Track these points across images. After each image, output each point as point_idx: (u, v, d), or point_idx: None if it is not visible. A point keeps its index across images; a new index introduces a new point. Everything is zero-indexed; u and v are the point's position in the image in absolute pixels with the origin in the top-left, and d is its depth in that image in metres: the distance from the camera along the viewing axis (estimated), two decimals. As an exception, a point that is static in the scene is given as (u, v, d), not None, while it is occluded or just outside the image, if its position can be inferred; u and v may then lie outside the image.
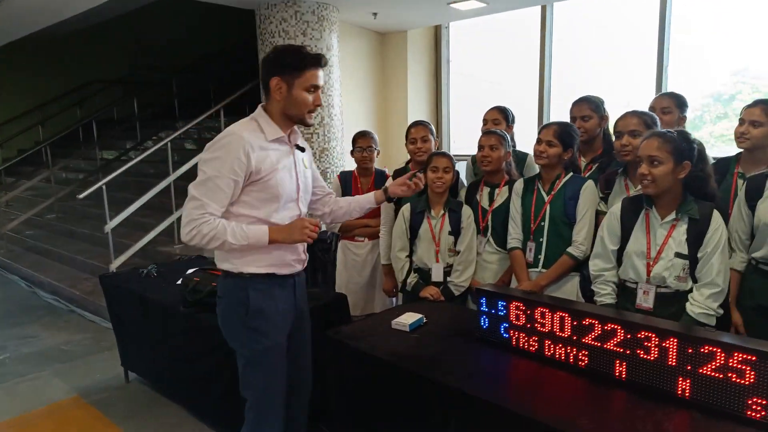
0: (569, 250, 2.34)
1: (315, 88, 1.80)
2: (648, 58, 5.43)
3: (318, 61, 1.78)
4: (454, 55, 7.31)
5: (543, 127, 2.40)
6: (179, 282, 2.78)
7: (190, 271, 2.81)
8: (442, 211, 2.66)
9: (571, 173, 2.43)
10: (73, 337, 4.23)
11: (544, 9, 6.17)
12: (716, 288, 1.80)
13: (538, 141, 2.39)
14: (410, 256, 2.71)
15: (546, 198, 2.42)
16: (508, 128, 2.94)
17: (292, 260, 1.95)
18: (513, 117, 3.03)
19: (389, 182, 2.22)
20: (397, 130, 6.88)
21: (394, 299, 3.23)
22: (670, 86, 5.24)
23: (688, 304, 1.84)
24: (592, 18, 6.08)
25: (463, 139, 7.45)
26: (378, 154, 3.20)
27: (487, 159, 2.60)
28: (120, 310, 3.29)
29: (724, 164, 2.30)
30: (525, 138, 3.30)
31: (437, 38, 7.31)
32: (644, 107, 2.63)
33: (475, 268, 2.65)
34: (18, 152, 9.65)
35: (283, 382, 1.94)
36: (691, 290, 1.86)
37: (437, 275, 2.65)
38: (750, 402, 1.37)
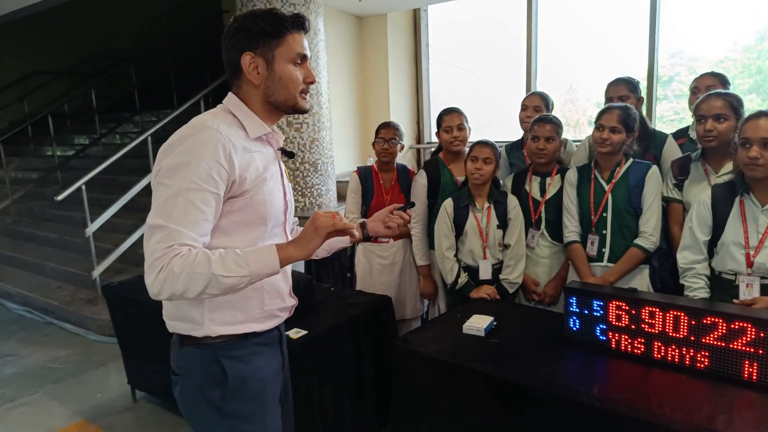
0: (638, 241, 2.23)
1: (303, 58, 1.32)
2: (637, 41, 5.44)
3: (300, 22, 1.31)
4: (432, 41, 7.15)
5: (603, 112, 2.27)
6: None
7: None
8: (487, 204, 2.51)
9: (632, 159, 2.32)
10: (58, 353, 3.84)
11: (530, -8, 6.09)
12: None
13: (600, 127, 2.26)
14: (456, 254, 2.54)
15: (606, 187, 2.30)
16: None
17: (278, 309, 1.42)
18: (553, 103, 2.90)
19: (377, 215, 1.58)
20: (378, 118, 6.67)
21: (426, 302, 3.07)
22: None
23: None
24: (577, 3, 6.05)
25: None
26: (402, 148, 2.96)
27: (542, 152, 2.44)
28: (127, 325, 2.97)
29: None
30: (515, 124, 3.13)
31: (416, 22, 7.12)
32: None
33: (526, 263, 2.52)
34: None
35: None
36: (795, 280, 1.79)
37: (485, 272, 2.50)
38: None
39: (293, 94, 1.32)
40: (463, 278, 2.48)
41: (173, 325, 1.35)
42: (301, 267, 4.21)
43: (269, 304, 1.39)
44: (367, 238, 1.58)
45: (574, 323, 1.85)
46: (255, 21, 1.27)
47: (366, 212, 2.91)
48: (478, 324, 2.03)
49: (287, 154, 1.45)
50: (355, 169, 3.04)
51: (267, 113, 1.34)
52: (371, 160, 6.18)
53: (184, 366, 1.34)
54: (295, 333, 2.14)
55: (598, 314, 1.78)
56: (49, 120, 7.68)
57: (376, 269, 2.97)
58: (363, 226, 1.58)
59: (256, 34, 1.28)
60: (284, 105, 1.34)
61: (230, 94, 1.34)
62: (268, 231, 1.34)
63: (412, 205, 1.57)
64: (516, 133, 3.16)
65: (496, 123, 5.90)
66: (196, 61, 7.74)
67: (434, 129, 2.92)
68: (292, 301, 1.48)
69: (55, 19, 8.40)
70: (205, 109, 6.40)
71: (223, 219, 1.25)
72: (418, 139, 7.18)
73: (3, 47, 8.85)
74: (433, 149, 6.84)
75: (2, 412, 3.03)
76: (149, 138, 4.97)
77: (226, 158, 1.20)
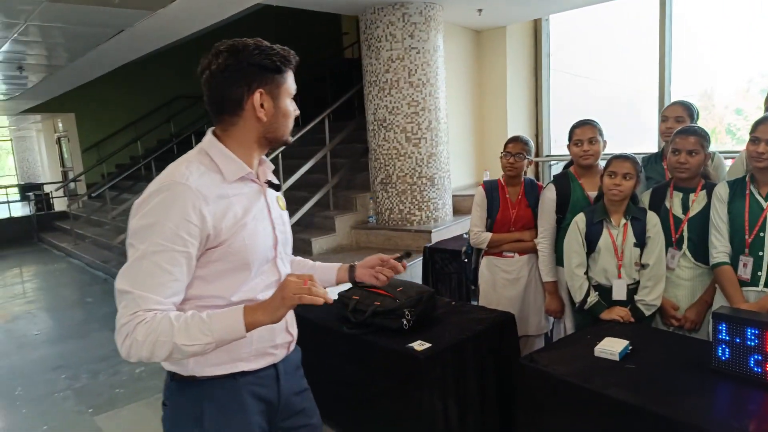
0: (804, 265, 2.00)
1: (294, 94, 1.34)
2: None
3: (296, 60, 1.32)
4: (554, 50, 6.94)
5: (759, 123, 2.07)
6: (335, 299, 2.67)
7: (342, 287, 2.69)
8: (624, 220, 2.38)
9: (796, 174, 2.08)
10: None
11: (663, -6, 5.70)
12: None
13: (755, 140, 2.06)
14: (586, 271, 2.45)
15: (765, 205, 2.08)
16: None
17: (270, 347, 1.36)
18: (698, 113, 2.69)
19: (367, 261, 1.53)
20: (496, 131, 6.62)
21: (551, 320, 2.98)
22: None
23: None
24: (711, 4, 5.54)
25: (564, 137, 7.07)
26: (530, 163, 2.91)
27: (684, 166, 2.28)
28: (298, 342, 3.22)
29: None
30: (644, 135, 2.92)
31: (537, 32, 6.97)
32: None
33: (665, 285, 2.36)
34: (116, 167, 10.31)
35: None
36: None
37: (619, 293, 2.37)
38: None
39: (289, 128, 1.35)
40: (593, 297, 2.38)
41: (163, 363, 1.33)
42: (419, 279, 4.30)
43: (259, 342, 1.32)
44: (354, 282, 1.53)
45: (723, 352, 1.70)
46: (260, 55, 1.24)
47: (491, 226, 2.91)
48: (611, 347, 1.94)
49: (273, 188, 1.39)
50: (481, 182, 3.05)
51: (258, 148, 1.33)
52: (487, 174, 6.15)
53: (171, 399, 1.34)
54: (419, 345, 2.20)
55: (753, 344, 1.62)
56: (192, 139, 8.65)
57: (500, 283, 2.95)
58: (352, 269, 1.54)
59: (269, 70, 1.26)
60: (280, 139, 1.34)
61: (209, 136, 1.30)
62: (253, 273, 1.29)
63: (408, 255, 1.47)
64: (648, 144, 2.97)
65: (625, 132, 5.56)
66: (318, 81, 8.26)
67: (554, 142, 2.86)
68: (287, 337, 1.41)
69: (194, 47, 9.47)
70: (329, 130, 6.72)
71: (204, 269, 1.23)
72: (537, 152, 7.00)
73: (151, 76, 10.20)
74: (551, 163, 6.65)
75: (155, 400, 3.43)
76: (279, 155, 5.40)
77: (195, 214, 1.17)
